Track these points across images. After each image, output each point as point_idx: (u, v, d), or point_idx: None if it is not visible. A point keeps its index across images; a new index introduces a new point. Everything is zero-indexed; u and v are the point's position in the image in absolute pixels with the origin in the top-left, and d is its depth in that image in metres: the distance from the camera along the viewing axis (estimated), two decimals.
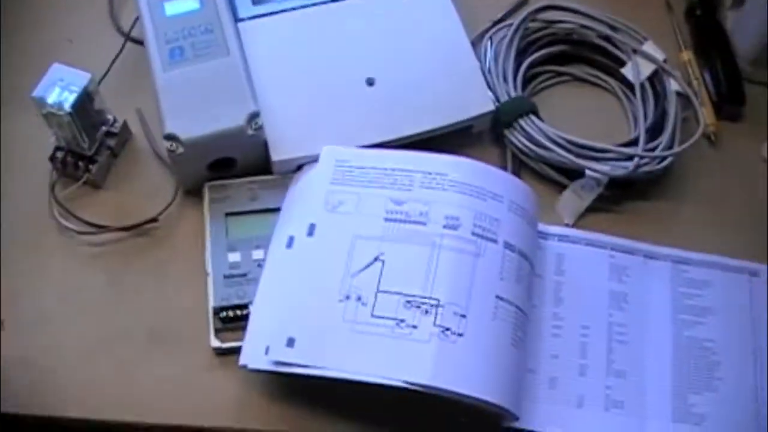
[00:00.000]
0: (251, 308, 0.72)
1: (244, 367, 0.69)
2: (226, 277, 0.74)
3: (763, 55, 0.89)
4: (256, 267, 0.74)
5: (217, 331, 0.73)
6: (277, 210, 0.77)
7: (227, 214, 0.77)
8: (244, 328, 0.72)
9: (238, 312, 0.73)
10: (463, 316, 0.67)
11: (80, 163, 0.79)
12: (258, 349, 0.69)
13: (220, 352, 0.72)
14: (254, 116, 0.75)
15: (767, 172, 0.87)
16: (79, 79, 0.75)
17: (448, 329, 0.66)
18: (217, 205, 0.77)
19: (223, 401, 0.71)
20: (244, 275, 0.74)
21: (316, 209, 0.73)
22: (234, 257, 0.75)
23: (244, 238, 0.76)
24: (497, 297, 0.68)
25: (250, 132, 0.75)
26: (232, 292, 0.73)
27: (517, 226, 0.72)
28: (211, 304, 0.73)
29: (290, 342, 0.67)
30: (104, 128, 0.80)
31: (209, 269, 0.75)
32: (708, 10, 0.95)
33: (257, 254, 0.75)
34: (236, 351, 0.71)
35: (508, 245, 0.71)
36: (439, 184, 0.72)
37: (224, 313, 0.73)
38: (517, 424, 0.69)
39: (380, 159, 0.75)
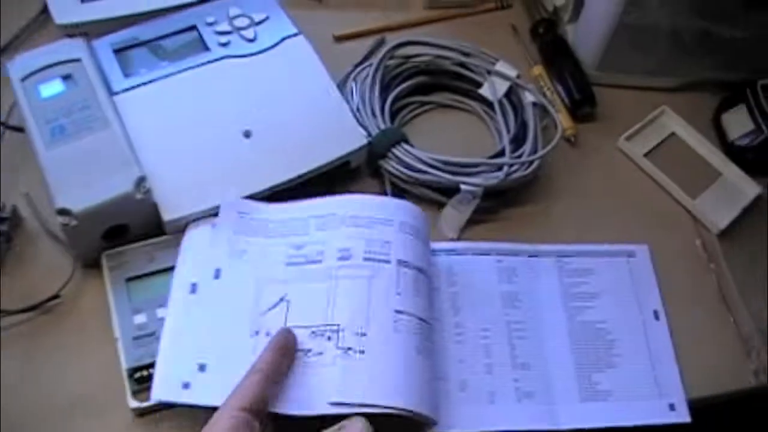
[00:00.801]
0: (159, 347, 0.74)
1: (159, 403, 0.72)
2: (135, 338, 0.76)
3: (604, 59, 0.97)
4: (162, 324, 0.76)
5: (134, 393, 0.74)
6: (173, 268, 0.79)
7: (127, 279, 0.79)
8: None
9: (152, 371, 0.74)
10: (363, 334, 0.70)
11: None
12: (171, 382, 0.71)
13: (140, 413, 0.74)
14: (141, 180, 0.77)
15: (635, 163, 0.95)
16: None
17: (349, 349, 0.69)
18: (117, 272, 0.79)
19: None
20: (152, 334, 0.76)
21: (221, 256, 0.77)
22: (140, 319, 0.77)
23: (147, 299, 0.78)
24: (396, 311, 0.72)
25: (139, 196, 0.77)
26: (143, 352, 0.75)
27: (408, 244, 0.76)
28: (125, 366, 0.74)
29: (202, 368, 0.70)
30: None
31: (117, 334, 0.76)
32: (549, 27, 1.02)
33: (162, 312, 0.77)
34: (155, 409, 0.73)
35: (402, 263, 0.75)
36: (331, 224, 0.77)
37: (138, 374, 0.74)
38: (437, 429, 0.73)
39: (277, 211, 0.80)
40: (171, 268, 0.79)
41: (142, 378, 0.74)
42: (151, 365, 0.74)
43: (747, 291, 0.86)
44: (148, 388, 0.73)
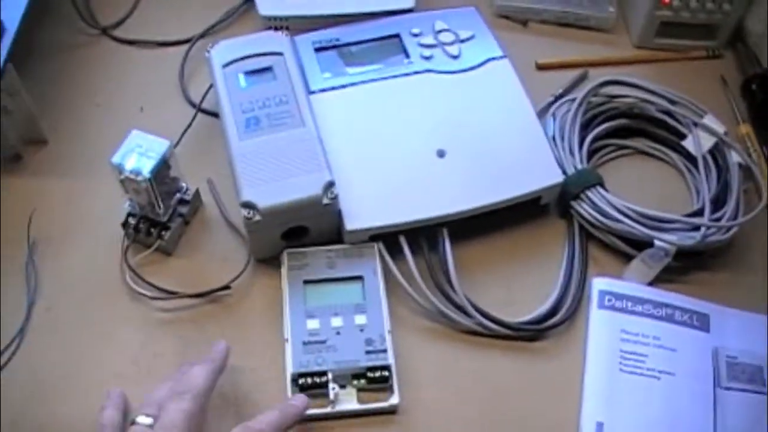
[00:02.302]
0: None
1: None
2: (305, 343, 0.74)
3: None
4: (335, 335, 0.74)
5: None
6: (353, 279, 0.77)
7: (305, 282, 0.77)
8: (320, 396, 0.71)
9: (317, 379, 0.72)
10: None
11: (153, 230, 0.79)
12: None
13: (298, 420, 0.71)
14: (330, 186, 0.76)
15: None
16: (158, 145, 0.76)
17: None
18: (296, 272, 0.77)
19: None
20: (323, 342, 0.74)
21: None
22: (313, 324, 0.75)
23: (322, 305, 0.76)
24: None
25: (326, 201, 0.75)
26: (311, 359, 0.73)
27: None
28: (290, 370, 0.72)
29: None
30: (178, 195, 0.81)
31: (288, 335, 0.74)
32: (763, 84, 0.95)
33: (336, 321, 0.75)
34: (314, 419, 0.71)
35: None
36: None
37: (302, 380, 0.72)
38: None
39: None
40: (350, 279, 0.77)
41: (305, 385, 0.72)
42: (317, 374, 0.72)
43: None
44: (308, 396, 0.71)
